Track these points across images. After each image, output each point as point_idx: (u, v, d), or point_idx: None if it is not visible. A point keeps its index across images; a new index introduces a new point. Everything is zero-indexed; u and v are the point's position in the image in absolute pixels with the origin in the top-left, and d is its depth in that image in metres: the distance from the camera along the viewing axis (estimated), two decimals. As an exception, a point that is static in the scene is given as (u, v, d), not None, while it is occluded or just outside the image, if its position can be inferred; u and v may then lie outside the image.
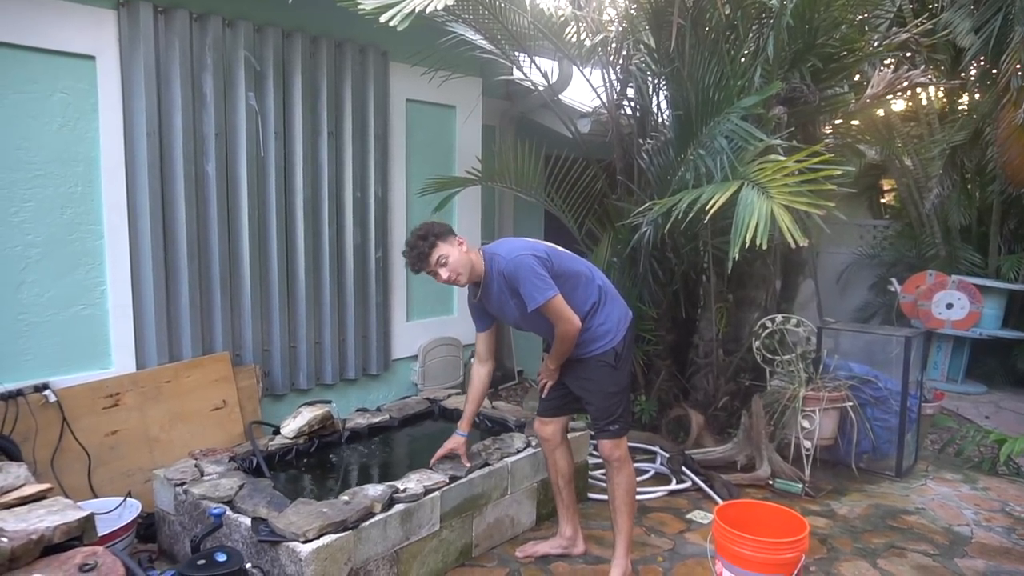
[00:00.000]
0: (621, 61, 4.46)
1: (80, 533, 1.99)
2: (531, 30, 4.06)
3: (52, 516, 1.99)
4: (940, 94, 6.83)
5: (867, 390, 3.99)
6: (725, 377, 4.42)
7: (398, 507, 2.63)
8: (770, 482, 3.77)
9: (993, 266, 6.41)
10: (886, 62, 5.07)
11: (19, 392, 2.87)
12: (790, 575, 2.40)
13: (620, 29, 4.40)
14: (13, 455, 2.68)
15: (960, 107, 6.87)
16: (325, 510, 2.47)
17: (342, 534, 2.41)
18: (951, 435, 4.62)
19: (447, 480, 2.83)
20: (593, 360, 2.71)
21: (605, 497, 3.48)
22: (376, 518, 2.54)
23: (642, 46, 4.34)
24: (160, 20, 3.19)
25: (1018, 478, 4.08)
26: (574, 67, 4.46)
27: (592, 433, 2.99)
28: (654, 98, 4.48)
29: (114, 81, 3.10)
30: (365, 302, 4.15)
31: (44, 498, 2.14)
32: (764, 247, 2.82)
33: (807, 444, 3.80)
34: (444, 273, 2.61)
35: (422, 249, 2.59)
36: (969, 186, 6.70)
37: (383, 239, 4.20)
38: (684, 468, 3.83)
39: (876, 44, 4.74)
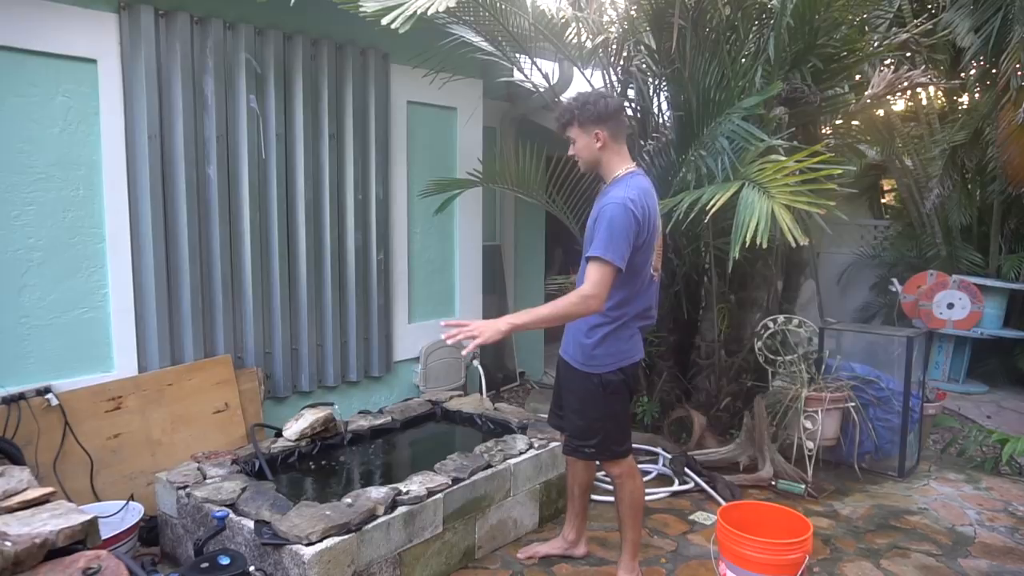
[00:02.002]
0: (622, 62, 4.46)
1: (83, 537, 1.99)
2: (532, 32, 4.06)
3: (55, 520, 1.99)
4: (940, 94, 6.83)
5: (869, 390, 3.99)
6: (727, 378, 4.42)
7: (401, 509, 2.63)
8: (772, 483, 3.76)
9: (994, 266, 6.41)
10: (886, 62, 5.07)
11: (21, 396, 2.86)
12: (794, 576, 2.40)
13: (621, 30, 4.40)
14: (16, 459, 2.67)
15: (960, 107, 6.87)
16: (328, 512, 2.47)
17: (345, 536, 2.41)
18: (953, 435, 4.62)
19: (450, 482, 2.83)
20: (580, 374, 2.60)
21: (608, 499, 3.50)
22: (379, 520, 2.54)
23: (643, 47, 4.35)
24: (161, 23, 3.19)
25: (1021, 478, 4.08)
26: (575, 68, 4.46)
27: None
28: (655, 99, 4.48)
29: (115, 84, 3.10)
30: (367, 304, 4.15)
31: (47, 502, 2.14)
32: (765, 247, 2.83)
33: (809, 445, 3.80)
34: (570, 150, 2.62)
35: (560, 118, 2.59)
36: (969, 186, 6.70)
37: (385, 241, 4.20)
38: (686, 469, 3.83)
39: (876, 44, 4.74)
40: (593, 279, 2.34)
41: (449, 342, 2.29)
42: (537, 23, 4.07)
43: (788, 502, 3.43)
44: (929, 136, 6.51)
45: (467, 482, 2.88)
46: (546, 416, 3.46)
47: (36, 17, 2.87)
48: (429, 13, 2.94)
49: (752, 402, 3.97)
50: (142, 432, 3.20)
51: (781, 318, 4.22)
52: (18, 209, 2.90)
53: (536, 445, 3.27)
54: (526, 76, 4.41)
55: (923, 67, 4.79)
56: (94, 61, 3.04)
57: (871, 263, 7.46)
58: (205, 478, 2.83)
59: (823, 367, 4.09)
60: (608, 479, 3.61)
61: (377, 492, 2.64)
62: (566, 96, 4.81)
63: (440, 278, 4.66)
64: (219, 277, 3.48)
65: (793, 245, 2.82)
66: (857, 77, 4.77)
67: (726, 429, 4.36)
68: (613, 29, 4.45)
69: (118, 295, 3.18)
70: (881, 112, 6.28)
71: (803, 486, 3.71)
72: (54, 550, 1.91)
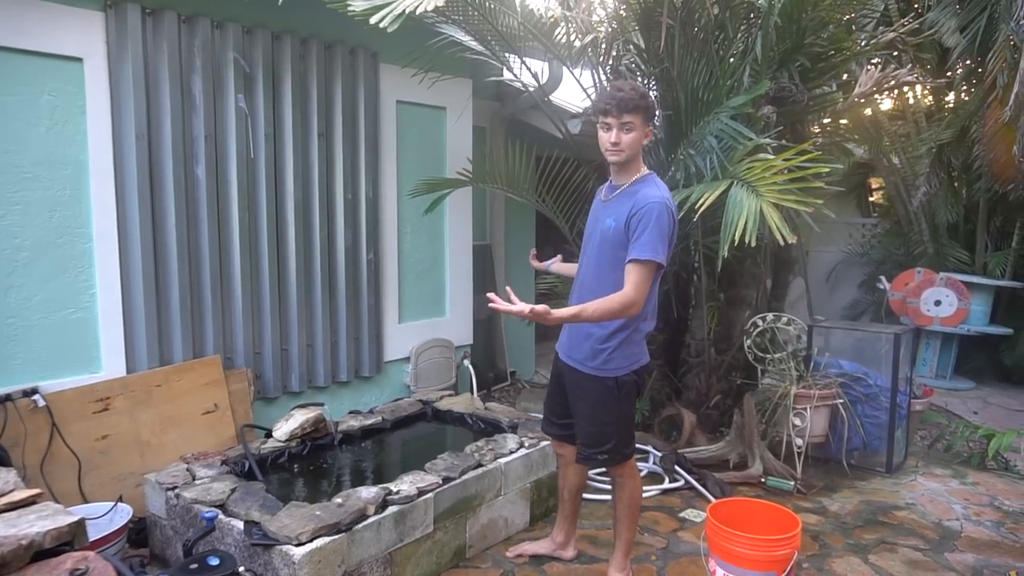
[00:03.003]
0: (611, 62, 4.47)
1: (71, 538, 1.98)
2: (521, 31, 4.06)
3: (42, 521, 1.98)
4: (927, 93, 6.89)
5: (857, 387, 4.01)
6: (717, 376, 4.44)
7: (391, 509, 2.62)
8: (762, 480, 3.79)
9: (980, 263, 6.47)
10: (873, 61, 5.11)
11: (8, 397, 2.84)
12: (783, 572, 2.41)
13: (609, 30, 4.41)
14: (2, 460, 2.65)
15: (946, 105, 6.93)
16: (318, 513, 2.46)
17: (335, 536, 2.41)
18: (940, 431, 4.66)
19: (440, 481, 2.83)
20: (592, 379, 2.56)
21: (599, 497, 3.51)
22: (369, 520, 2.54)
23: (631, 47, 4.36)
24: (148, 22, 3.17)
25: (1006, 473, 4.12)
26: (564, 68, 4.46)
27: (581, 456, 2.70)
28: (644, 98, 4.49)
29: (102, 83, 3.08)
30: (357, 304, 4.14)
31: (34, 503, 2.12)
32: (753, 245, 2.85)
33: (799, 442, 3.82)
34: (619, 135, 2.39)
35: (627, 101, 2.35)
36: (956, 184, 6.76)
37: (374, 241, 4.19)
38: (677, 467, 3.84)
39: (863, 44, 4.77)
40: (635, 281, 2.33)
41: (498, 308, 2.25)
42: (526, 22, 4.07)
43: (777, 499, 3.45)
44: (916, 135, 6.57)
45: (458, 481, 2.88)
46: (537, 415, 3.47)
47: (21, 15, 2.84)
48: (418, 12, 2.94)
49: (742, 400, 3.99)
50: (130, 433, 3.19)
51: (770, 316, 4.24)
52: (4, 209, 2.88)
53: (527, 444, 3.28)
54: (515, 76, 4.41)
55: (910, 66, 4.82)
56: (80, 60, 3.02)
57: (859, 261, 7.52)
58: (194, 479, 2.82)
59: (812, 364, 4.12)
60: (600, 477, 3.64)
61: (367, 492, 2.64)
62: (555, 96, 4.83)
63: (430, 278, 4.65)
64: (208, 277, 3.46)
65: (781, 243, 2.84)
66: (844, 76, 4.81)
67: (716, 427, 4.38)
68: (602, 28, 4.46)
69: (106, 295, 3.16)
70: (868, 111, 6.34)
71: (792, 483, 3.73)
72: (41, 552, 1.90)
